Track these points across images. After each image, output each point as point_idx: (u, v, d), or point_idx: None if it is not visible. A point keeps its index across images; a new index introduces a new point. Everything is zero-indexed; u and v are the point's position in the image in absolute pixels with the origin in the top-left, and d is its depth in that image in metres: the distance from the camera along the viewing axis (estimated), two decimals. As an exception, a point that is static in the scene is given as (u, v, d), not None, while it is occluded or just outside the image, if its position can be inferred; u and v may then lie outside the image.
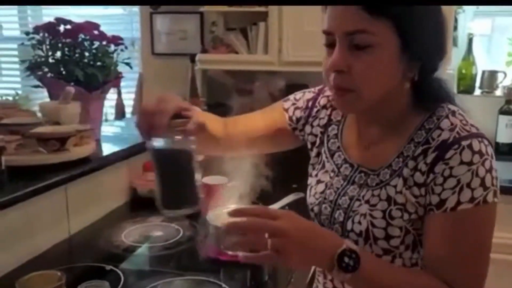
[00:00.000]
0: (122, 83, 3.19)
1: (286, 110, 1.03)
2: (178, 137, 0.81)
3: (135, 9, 3.13)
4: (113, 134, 1.91)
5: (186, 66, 2.53)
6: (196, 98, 2.48)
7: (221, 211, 1.36)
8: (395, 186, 0.80)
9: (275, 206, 1.37)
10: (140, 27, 2.92)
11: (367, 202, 0.83)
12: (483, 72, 2.37)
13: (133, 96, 3.06)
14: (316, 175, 0.95)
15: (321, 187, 0.92)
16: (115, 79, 1.66)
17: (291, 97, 1.06)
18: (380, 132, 0.86)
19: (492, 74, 2.35)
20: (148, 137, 0.84)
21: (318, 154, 0.97)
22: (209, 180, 1.50)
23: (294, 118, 1.02)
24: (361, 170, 0.87)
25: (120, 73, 1.67)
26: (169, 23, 2.84)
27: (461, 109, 0.82)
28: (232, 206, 1.37)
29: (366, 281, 0.74)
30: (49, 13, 3.32)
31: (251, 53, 2.45)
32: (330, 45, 0.78)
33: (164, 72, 2.84)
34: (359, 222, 0.83)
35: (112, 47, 1.65)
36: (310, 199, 0.94)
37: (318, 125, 0.97)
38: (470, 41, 2.29)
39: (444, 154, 0.75)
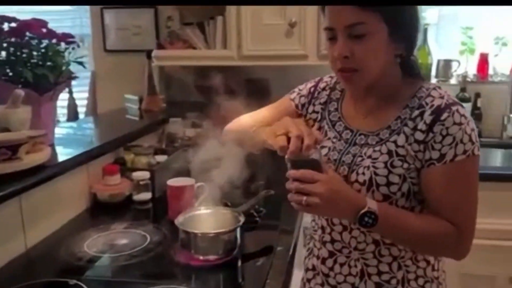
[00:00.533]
0: (74, 82, 3.09)
1: (293, 99, 1.18)
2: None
3: (84, 4, 2.99)
4: (66, 136, 1.81)
5: (142, 62, 2.45)
6: (154, 96, 2.40)
7: (191, 215, 1.31)
8: (394, 142, 0.96)
9: (243, 207, 1.33)
10: (90, 23, 2.80)
11: (369, 157, 0.98)
12: (438, 61, 2.42)
13: (86, 95, 2.92)
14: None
15: (324, 150, 1.05)
16: (67, 80, 1.57)
17: (296, 89, 1.20)
18: (376, 103, 1.02)
19: (447, 63, 2.39)
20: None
21: (320, 128, 1.11)
22: (175, 182, 1.44)
23: (299, 105, 1.17)
24: (360, 133, 1.02)
25: (73, 73, 1.57)
26: (121, 18, 2.73)
27: None
28: (202, 209, 1.33)
29: (387, 230, 0.95)
30: (-10, 10, 3.12)
31: (210, 48, 2.39)
32: (332, 39, 0.96)
33: (118, 69, 2.73)
34: (363, 173, 0.97)
35: (63, 46, 1.56)
36: None
37: (320, 103, 1.14)
38: (425, 31, 2.32)
39: (439, 116, 0.93)
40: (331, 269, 1.07)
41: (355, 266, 1.03)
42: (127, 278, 1.11)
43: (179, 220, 1.19)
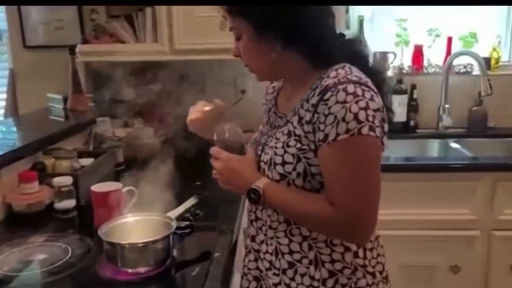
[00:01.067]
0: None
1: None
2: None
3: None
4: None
5: (65, 59, 2.25)
6: (80, 94, 2.22)
7: (116, 224, 1.18)
8: (292, 122, 0.99)
9: (175, 212, 1.22)
10: (6, 17, 2.56)
11: (276, 137, 1.02)
12: (375, 53, 2.41)
13: (4, 95, 2.67)
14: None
15: (257, 135, 1.14)
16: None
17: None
18: (292, 88, 1.06)
19: (383, 55, 2.39)
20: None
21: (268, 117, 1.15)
22: (100, 187, 1.30)
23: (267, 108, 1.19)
24: (280, 116, 1.07)
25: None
26: (42, 12, 2.51)
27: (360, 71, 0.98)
28: (130, 217, 1.20)
29: (273, 206, 1.01)
30: None
31: (139, 42, 2.25)
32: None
33: (41, 66, 2.52)
34: (267, 153, 1.01)
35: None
36: (249, 145, 1.14)
37: (267, 98, 1.19)
38: (361, 23, 2.31)
39: (324, 96, 0.92)
40: (258, 247, 1.09)
41: (271, 244, 1.04)
42: (42, 300, 0.97)
43: (102, 230, 1.06)
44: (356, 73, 0.95)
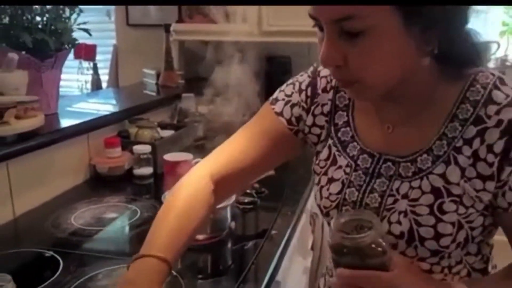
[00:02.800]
0: (99, 57, 3.09)
1: (280, 113, 0.84)
2: None
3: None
4: (75, 107, 1.77)
5: (163, 37, 2.38)
6: (171, 71, 2.33)
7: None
8: (441, 175, 0.68)
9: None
10: (114, -4, 2.75)
11: (405, 196, 0.70)
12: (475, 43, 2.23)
13: (107, 70, 2.90)
14: (326, 173, 0.80)
15: (336, 186, 0.77)
16: (70, 47, 1.51)
17: (279, 96, 0.86)
18: (406, 112, 0.72)
19: (485, 45, 2.20)
20: None
21: (323, 147, 0.82)
22: (172, 156, 1.37)
23: (293, 119, 0.84)
24: (385, 159, 0.73)
25: (76, 40, 1.51)
26: (145, -9, 2.67)
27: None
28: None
29: None
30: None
31: (230, 23, 2.30)
32: (321, 29, 0.65)
33: (140, 43, 2.69)
34: (399, 222, 0.70)
35: (67, 12, 1.50)
36: (323, 202, 0.79)
37: (322, 113, 0.82)
38: (462, 9, 2.13)
39: None
40: None
41: None
42: (104, 253, 1.04)
43: (165, 195, 1.12)
44: None
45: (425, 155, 0.70)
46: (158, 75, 2.34)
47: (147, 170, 1.54)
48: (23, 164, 1.24)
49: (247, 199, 1.30)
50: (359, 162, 0.76)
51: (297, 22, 2.21)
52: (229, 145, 0.85)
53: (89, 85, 3.07)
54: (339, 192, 0.77)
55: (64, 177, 1.42)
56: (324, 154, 0.81)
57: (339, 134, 0.79)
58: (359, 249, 0.63)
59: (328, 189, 0.78)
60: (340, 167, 0.78)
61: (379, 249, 0.64)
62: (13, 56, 1.27)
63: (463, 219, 0.67)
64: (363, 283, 0.64)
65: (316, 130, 0.83)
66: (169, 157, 1.35)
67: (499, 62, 2.21)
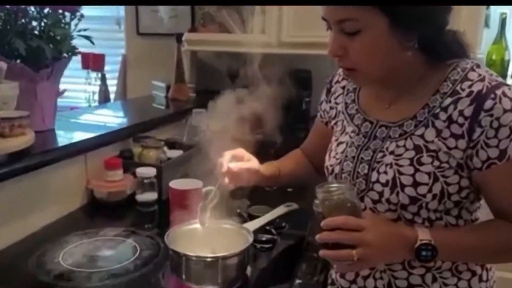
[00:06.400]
0: (107, 68, 2.94)
1: (319, 111, 1.11)
2: None
3: (120, -16, 2.80)
4: (83, 124, 1.61)
5: (174, 47, 2.23)
6: (182, 84, 2.17)
7: (186, 229, 1.05)
8: (421, 136, 0.84)
9: (257, 223, 1.05)
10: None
11: (392, 153, 0.86)
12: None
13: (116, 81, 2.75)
14: (336, 140, 0.99)
15: (341, 147, 0.95)
16: (71, 56, 1.35)
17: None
18: (400, 92, 0.89)
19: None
20: None
21: (337, 123, 1.01)
22: (179, 183, 1.19)
23: (322, 113, 1.09)
24: (381, 125, 0.90)
25: (76, 48, 1.35)
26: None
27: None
28: (195, 224, 1.06)
29: (450, 258, 0.86)
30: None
31: (247, 33, 2.13)
32: (330, 28, 0.84)
33: (150, 54, 2.53)
34: (385, 172, 0.85)
35: (68, 17, 1.34)
36: (330, 161, 0.97)
37: (335, 98, 1.04)
38: (503, 22, 1.95)
39: (482, 105, 0.79)
40: (353, 282, 0.94)
41: (381, 278, 0.91)
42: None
43: (169, 235, 0.93)
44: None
45: (410, 121, 0.86)
46: (168, 88, 2.18)
47: (151, 196, 1.36)
48: (8, 189, 1.08)
49: (264, 237, 1.12)
50: (361, 128, 0.93)
51: (319, 33, 2.02)
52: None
53: (96, 96, 2.93)
54: (343, 151, 0.94)
55: (56, 203, 1.25)
56: (338, 127, 1.00)
57: (348, 110, 0.98)
58: (337, 203, 0.80)
59: (335, 150, 0.97)
60: (347, 133, 0.96)
61: (348, 204, 0.80)
62: (2, 65, 1.11)
63: (438, 172, 0.81)
64: (342, 224, 0.78)
65: (332, 112, 1.04)
66: (175, 184, 1.17)
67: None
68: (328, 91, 1.07)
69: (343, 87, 1.03)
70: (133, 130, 1.57)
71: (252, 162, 1.07)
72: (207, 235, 1.00)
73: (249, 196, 1.30)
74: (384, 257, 0.83)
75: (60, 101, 3.29)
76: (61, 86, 3.30)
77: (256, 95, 2.18)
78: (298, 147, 1.23)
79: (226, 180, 1.02)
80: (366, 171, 0.89)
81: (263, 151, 1.43)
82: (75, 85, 3.13)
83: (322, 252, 0.79)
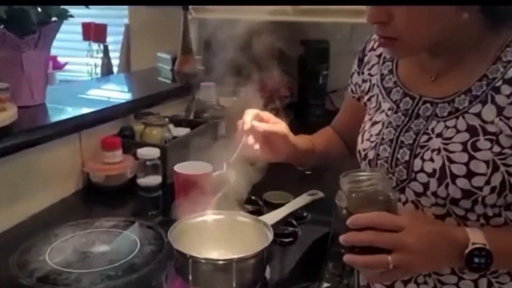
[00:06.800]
0: (109, 39, 2.77)
1: (349, 84, 0.97)
2: None
3: None
4: (72, 96, 1.45)
5: (180, 16, 2.05)
6: (188, 55, 1.99)
7: (194, 222, 0.90)
8: (477, 114, 0.70)
9: (276, 215, 0.90)
10: (126, -32, 2.42)
11: (439, 135, 0.72)
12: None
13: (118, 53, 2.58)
14: (370, 119, 0.85)
15: (376, 128, 0.82)
16: (61, 20, 1.18)
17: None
18: (450, 61, 0.75)
19: None
20: None
21: (371, 99, 0.87)
22: (185, 167, 1.03)
23: (354, 87, 0.95)
24: (425, 100, 0.76)
25: (67, 11, 1.18)
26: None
27: None
28: (213, 215, 0.91)
29: (507, 266, 0.72)
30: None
31: (259, -1, 1.94)
32: None
33: (155, 23, 2.35)
34: (431, 159, 0.72)
35: (58, -25, 1.17)
36: (363, 145, 0.84)
37: (369, 69, 0.89)
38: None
39: None
40: (391, 287, 0.80)
41: (425, 283, 0.76)
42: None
43: (172, 233, 0.78)
44: None
45: (462, 96, 0.72)
46: (174, 60, 2.01)
47: (154, 180, 1.21)
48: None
49: (284, 230, 0.96)
50: (400, 105, 0.79)
51: (340, -1, 1.87)
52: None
53: (99, 70, 2.78)
54: (378, 133, 0.80)
55: (46, 189, 1.10)
56: (373, 103, 0.86)
57: (384, 82, 0.84)
58: (366, 196, 0.65)
59: (369, 132, 0.83)
60: (383, 111, 0.82)
61: (381, 197, 0.65)
62: (-24, 29, 0.95)
63: (499, 160, 0.67)
64: (373, 222, 0.64)
65: (364, 86, 0.89)
66: (181, 168, 1.02)
67: None
68: (361, 60, 0.92)
69: (379, 56, 0.88)
70: (134, 106, 1.41)
71: (280, 125, 0.88)
72: (218, 229, 0.84)
73: (263, 180, 1.14)
74: (427, 264, 0.69)
75: (61, 75, 3.16)
76: (62, 59, 3.17)
77: (269, 68, 1.98)
78: (315, 126, 1.07)
79: (250, 140, 0.83)
80: (407, 157, 0.74)
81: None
82: (76, 58, 2.99)
83: (347, 258, 0.66)
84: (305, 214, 1.04)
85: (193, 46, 2.01)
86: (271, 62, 1.86)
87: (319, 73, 2.04)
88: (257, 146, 0.85)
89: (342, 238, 0.65)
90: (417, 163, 0.73)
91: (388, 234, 0.63)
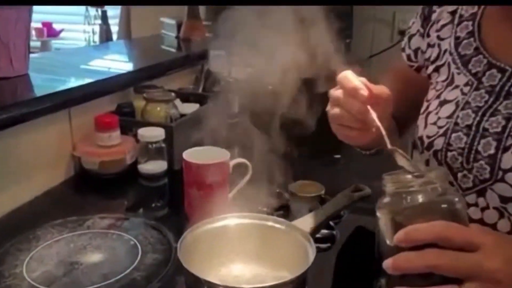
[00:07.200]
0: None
1: (403, 49, 0.79)
2: None
3: None
4: (61, 65, 1.25)
5: (186, -24, 1.84)
6: (195, 21, 1.80)
7: (207, 229, 0.70)
8: None
9: (318, 217, 0.71)
10: None
11: None
12: None
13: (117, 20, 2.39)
14: (438, 96, 0.68)
15: (447, 109, 0.65)
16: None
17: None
18: None
19: None
20: None
21: (439, 70, 0.70)
22: (196, 154, 0.84)
23: (413, 53, 0.76)
24: None
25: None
26: None
27: None
28: (233, 217, 0.72)
29: None
30: None
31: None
32: None
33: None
34: None
35: None
36: (427, 131, 0.66)
37: (437, 30, 0.71)
38: None
39: None
40: None
41: None
42: None
43: (182, 245, 0.59)
44: None
45: None
46: (179, 26, 1.82)
47: (159, 166, 1.03)
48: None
49: (320, 233, 0.78)
50: (483, 79, 0.63)
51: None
52: None
53: (97, 37, 2.58)
54: (450, 116, 0.65)
55: (28, 178, 0.91)
56: (442, 75, 0.70)
57: (460, 48, 0.67)
58: (424, 205, 0.46)
59: (437, 113, 0.67)
60: (457, 86, 0.66)
61: (444, 205, 0.46)
62: None
63: None
64: (440, 237, 0.43)
65: (429, 52, 0.73)
66: (191, 156, 0.82)
67: None
68: (425, 18, 0.74)
69: (453, 13, 0.70)
70: (134, 77, 1.21)
71: (382, 86, 0.64)
72: (241, 237, 0.66)
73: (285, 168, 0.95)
74: None
75: (56, 43, 2.97)
76: (57, 26, 2.97)
77: (285, 33, 1.75)
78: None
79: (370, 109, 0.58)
80: (492, 150, 0.59)
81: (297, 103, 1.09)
82: (73, 24, 2.80)
83: None
84: (342, 212, 0.85)
85: (200, 11, 1.83)
86: (288, 27, 1.68)
87: (340, 41, 1.85)
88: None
89: (389, 264, 0.45)
90: (507, 159, 0.58)
91: (462, 255, 0.44)
